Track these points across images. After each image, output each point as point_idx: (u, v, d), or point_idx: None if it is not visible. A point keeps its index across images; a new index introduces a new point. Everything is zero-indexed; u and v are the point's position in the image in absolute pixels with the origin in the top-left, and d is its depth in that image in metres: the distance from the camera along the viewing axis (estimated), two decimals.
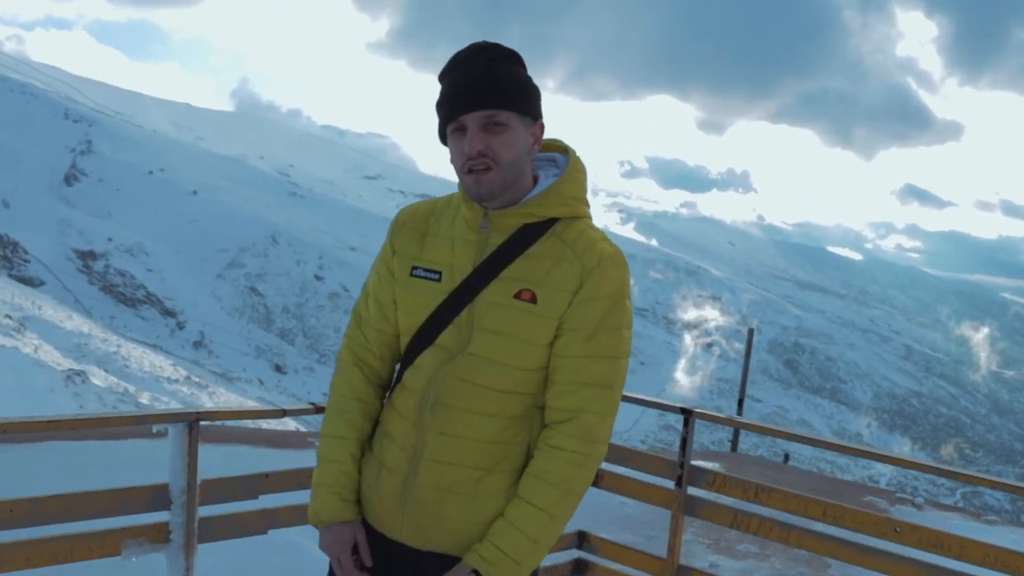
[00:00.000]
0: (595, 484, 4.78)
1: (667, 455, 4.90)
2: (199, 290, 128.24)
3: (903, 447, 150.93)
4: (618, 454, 4.73)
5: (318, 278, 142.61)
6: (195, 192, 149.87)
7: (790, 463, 12.62)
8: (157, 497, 3.40)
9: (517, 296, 2.16)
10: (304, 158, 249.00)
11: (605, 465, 4.79)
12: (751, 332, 11.65)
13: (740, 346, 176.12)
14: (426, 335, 2.23)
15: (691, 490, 4.51)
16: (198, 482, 3.40)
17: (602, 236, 2.23)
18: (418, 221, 2.34)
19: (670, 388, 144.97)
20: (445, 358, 2.20)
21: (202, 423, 3.38)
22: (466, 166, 2.14)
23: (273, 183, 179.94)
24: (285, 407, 3.65)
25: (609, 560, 4.81)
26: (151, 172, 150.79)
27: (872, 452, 4.50)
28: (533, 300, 2.15)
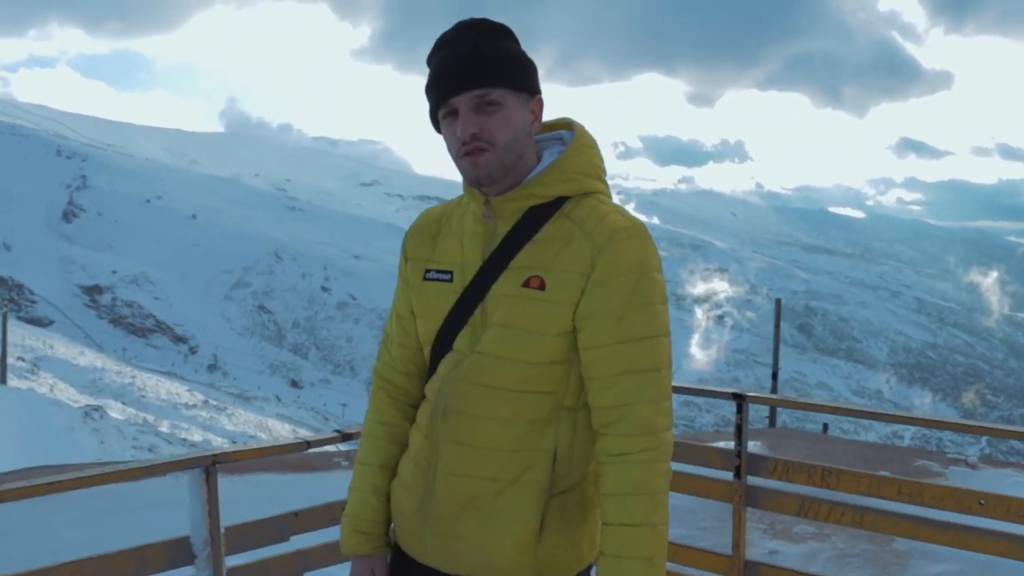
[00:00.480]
0: None
1: (704, 438, 4.57)
2: (208, 313, 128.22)
3: (924, 400, 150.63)
4: (676, 449, 4.41)
5: (325, 289, 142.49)
6: (194, 216, 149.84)
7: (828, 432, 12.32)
8: (179, 552, 3.09)
9: (526, 284, 1.95)
10: (299, 172, 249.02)
11: None
12: (779, 303, 11.26)
13: (752, 315, 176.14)
14: (444, 341, 2.05)
15: (751, 480, 4.18)
16: (222, 530, 3.09)
17: (616, 209, 2.00)
18: (430, 223, 2.18)
19: (686, 364, 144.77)
20: (458, 361, 2.01)
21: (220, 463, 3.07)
22: (461, 150, 1.96)
23: (271, 200, 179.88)
24: (308, 438, 3.32)
25: (671, 562, 4.49)
26: (148, 201, 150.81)
27: (945, 421, 4.18)
28: (542, 287, 1.94)
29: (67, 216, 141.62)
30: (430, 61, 2.01)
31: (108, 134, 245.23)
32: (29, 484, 2.62)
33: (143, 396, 38.27)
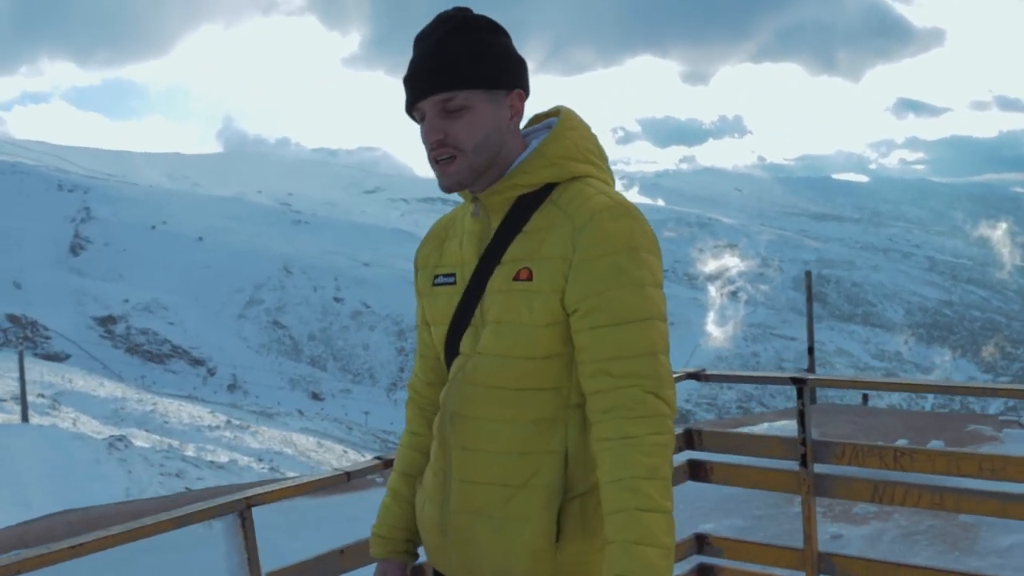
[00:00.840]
0: (705, 478, 4.21)
1: (740, 421, 4.30)
2: (223, 334, 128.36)
3: (943, 358, 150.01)
4: (724, 441, 4.14)
5: (337, 300, 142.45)
6: (200, 238, 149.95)
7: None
8: None
9: (516, 278, 1.88)
10: (301, 185, 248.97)
11: (712, 455, 4.21)
12: (808, 276, 10.89)
13: (766, 288, 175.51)
14: (452, 344, 2.00)
15: (818, 467, 3.91)
16: None
17: (602, 191, 1.90)
18: (439, 231, 2.14)
19: (704, 343, 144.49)
20: (462, 364, 1.96)
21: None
22: (430, 156, 1.92)
23: (276, 215, 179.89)
24: (348, 469, 3.06)
25: (737, 560, 4.22)
26: (154, 227, 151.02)
27: (1010, 388, 3.90)
28: (530, 277, 1.86)
29: (74, 249, 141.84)
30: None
31: (108, 164, 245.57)
32: (50, 551, 2.37)
33: (166, 422, 38.29)
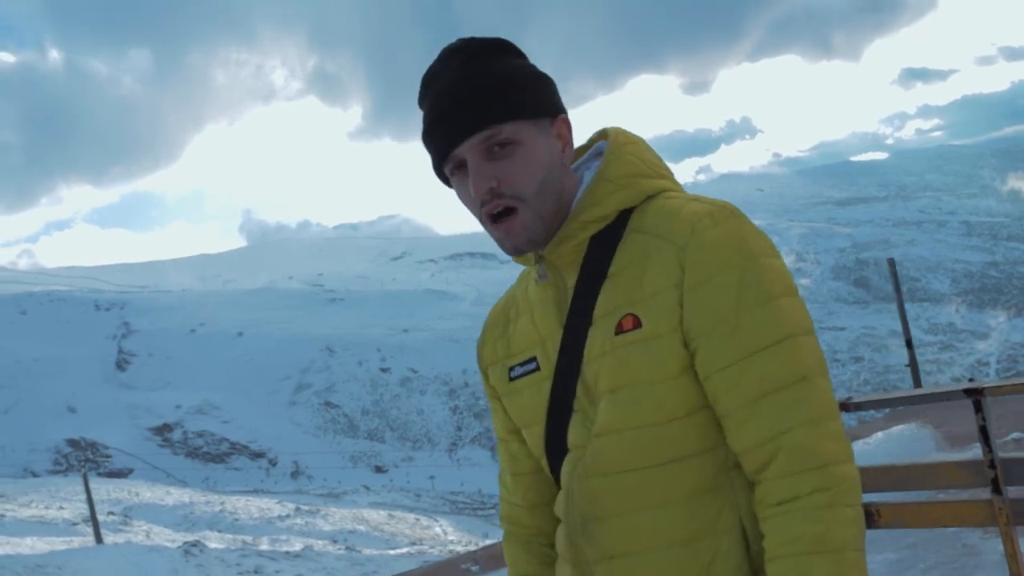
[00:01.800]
0: (873, 524, 3.51)
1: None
2: (277, 423, 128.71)
3: (998, 320, 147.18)
4: (888, 476, 3.47)
5: (384, 370, 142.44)
6: (240, 333, 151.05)
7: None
8: None
9: (619, 331, 1.48)
10: (329, 264, 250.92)
11: (876, 496, 3.53)
12: (891, 263, 10.07)
13: (807, 282, 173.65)
14: (556, 442, 1.58)
15: (1012, 491, 3.23)
16: None
17: (690, 198, 1.55)
18: (499, 314, 1.74)
19: None
20: (578, 458, 1.53)
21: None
22: (483, 213, 1.51)
23: (310, 298, 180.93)
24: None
25: None
26: (193, 330, 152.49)
27: None
28: (637, 325, 1.46)
29: (120, 365, 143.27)
30: (421, 102, 1.60)
31: (139, 277, 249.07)
32: None
33: (236, 520, 38.23)
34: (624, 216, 1.55)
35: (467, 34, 1.57)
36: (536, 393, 1.59)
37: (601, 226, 1.54)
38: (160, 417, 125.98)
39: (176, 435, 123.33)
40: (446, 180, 1.60)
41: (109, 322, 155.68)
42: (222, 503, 41.18)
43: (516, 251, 1.53)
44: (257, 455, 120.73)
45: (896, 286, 9.64)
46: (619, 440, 1.47)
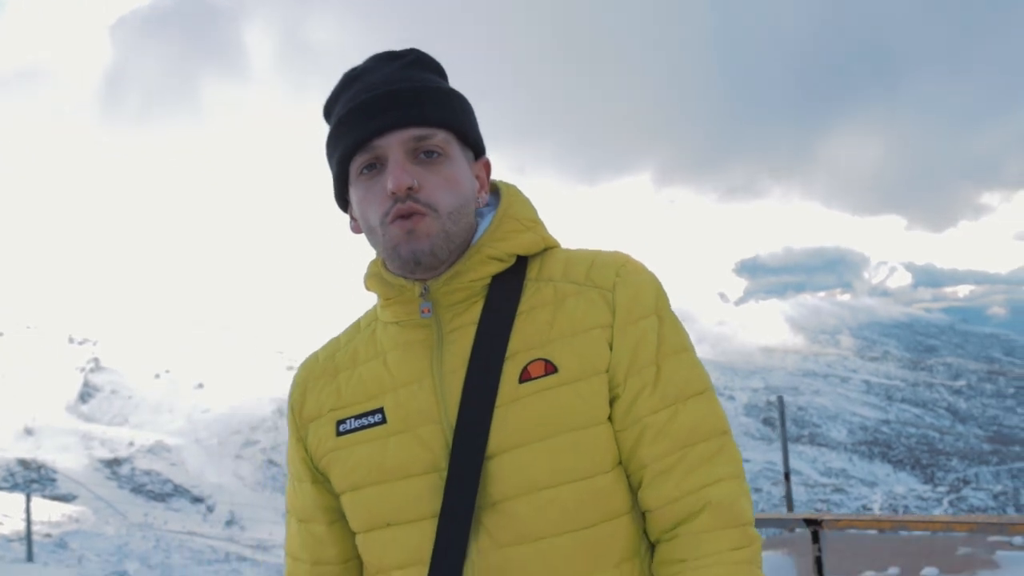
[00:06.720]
0: None
1: None
2: (222, 472, 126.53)
3: (885, 471, 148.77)
4: None
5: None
6: (201, 385, 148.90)
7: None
8: None
9: (524, 378, 1.20)
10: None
11: None
12: (780, 400, 10.29)
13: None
14: (403, 517, 1.24)
15: None
16: None
17: (590, 250, 1.34)
18: (324, 365, 1.40)
19: None
20: (459, 542, 1.19)
21: None
22: (392, 211, 1.23)
23: (267, 362, 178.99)
24: None
25: None
26: (158, 375, 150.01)
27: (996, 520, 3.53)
28: (551, 370, 1.20)
29: (83, 397, 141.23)
30: (333, 104, 1.31)
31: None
32: None
33: (167, 558, 37.29)
34: (520, 264, 1.31)
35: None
36: (377, 452, 1.26)
37: (503, 267, 1.29)
38: (113, 451, 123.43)
39: (124, 470, 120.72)
40: (342, 200, 1.34)
41: (81, 355, 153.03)
42: (157, 540, 40.07)
43: (412, 257, 1.24)
44: (197, 499, 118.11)
45: (782, 420, 9.83)
46: (534, 506, 1.18)
